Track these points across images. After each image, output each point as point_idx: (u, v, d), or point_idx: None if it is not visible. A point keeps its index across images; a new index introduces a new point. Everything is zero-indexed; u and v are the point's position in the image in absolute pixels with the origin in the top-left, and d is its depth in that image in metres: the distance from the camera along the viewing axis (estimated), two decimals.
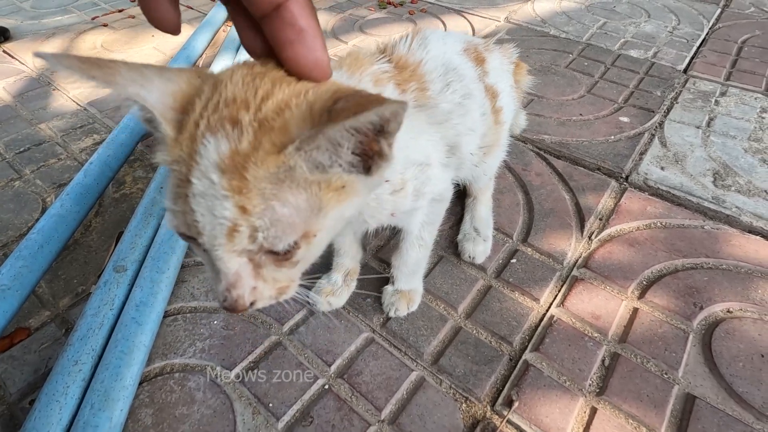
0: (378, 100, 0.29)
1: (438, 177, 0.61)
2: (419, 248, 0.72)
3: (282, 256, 0.37)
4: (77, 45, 1.61)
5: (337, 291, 0.78)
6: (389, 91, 0.53)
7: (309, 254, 0.39)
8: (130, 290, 0.73)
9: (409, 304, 0.77)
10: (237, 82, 0.34)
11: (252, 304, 0.38)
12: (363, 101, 0.30)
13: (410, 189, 0.55)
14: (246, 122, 0.33)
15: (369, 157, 0.36)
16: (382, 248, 0.90)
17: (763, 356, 0.71)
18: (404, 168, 0.53)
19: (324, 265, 0.85)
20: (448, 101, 0.61)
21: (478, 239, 0.86)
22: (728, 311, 0.78)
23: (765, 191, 1.00)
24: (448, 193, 0.68)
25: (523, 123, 1.14)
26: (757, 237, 0.91)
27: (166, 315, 0.76)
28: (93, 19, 1.80)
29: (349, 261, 0.79)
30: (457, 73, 0.63)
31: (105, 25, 1.75)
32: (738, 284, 0.82)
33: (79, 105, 1.30)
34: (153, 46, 1.61)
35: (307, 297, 0.47)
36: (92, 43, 1.62)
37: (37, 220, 0.93)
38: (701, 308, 0.78)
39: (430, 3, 1.92)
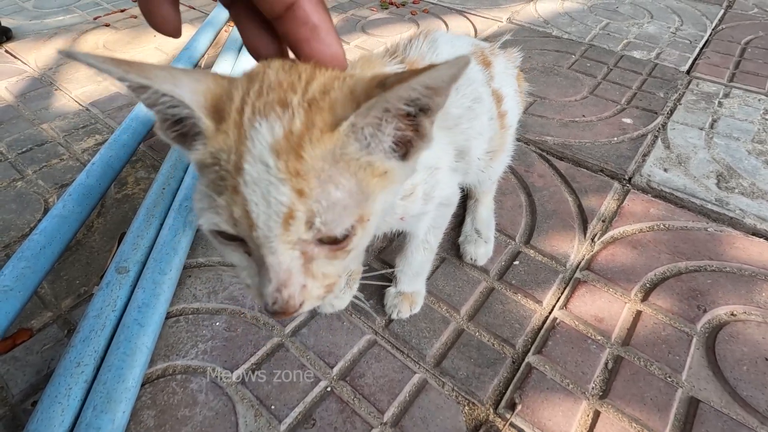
0: (431, 65, 0.29)
1: (446, 182, 0.61)
2: (424, 251, 0.72)
3: (337, 245, 0.35)
4: (79, 45, 1.61)
5: (339, 293, 0.77)
6: None
7: (361, 243, 0.37)
8: (132, 291, 0.73)
9: (412, 306, 0.77)
10: (277, 70, 0.34)
11: (300, 305, 0.36)
12: (416, 70, 0.30)
13: (420, 193, 0.55)
14: (296, 103, 0.32)
15: (405, 144, 0.37)
16: (384, 249, 0.90)
17: (767, 360, 0.71)
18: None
19: None
20: (458, 106, 0.61)
21: (479, 241, 0.86)
22: (732, 314, 0.78)
23: None
24: (455, 198, 0.68)
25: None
26: (761, 239, 0.91)
27: (168, 316, 0.76)
28: (95, 18, 1.80)
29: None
30: (466, 77, 0.63)
31: (107, 25, 1.75)
32: (742, 287, 0.82)
33: (81, 105, 1.30)
34: (155, 46, 1.61)
35: (363, 303, 0.44)
36: (94, 43, 1.62)
37: (40, 220, 0.93)
38: (705, 311, 0.78)
39: (432, 3, 1.92)
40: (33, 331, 0.74)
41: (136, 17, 1.82)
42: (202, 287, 0.82)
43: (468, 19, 1.78)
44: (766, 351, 0.72)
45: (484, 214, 0.90)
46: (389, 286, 0.79)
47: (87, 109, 1.28)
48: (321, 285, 0.37)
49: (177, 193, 0.90)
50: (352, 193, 0.34)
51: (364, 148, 0.34)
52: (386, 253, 0.89)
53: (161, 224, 0.84)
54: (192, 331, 0.75)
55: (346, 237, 0.35)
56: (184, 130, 0.35)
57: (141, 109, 1.14)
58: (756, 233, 0.92)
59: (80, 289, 0.81)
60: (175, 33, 0.34)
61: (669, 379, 0.69)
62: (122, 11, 1.87)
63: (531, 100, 1.32)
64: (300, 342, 0.74)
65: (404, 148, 0.37)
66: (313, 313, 0.78)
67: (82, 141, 1.16)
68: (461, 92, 0.62)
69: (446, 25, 1.74)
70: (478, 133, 0.66)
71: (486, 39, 1.63)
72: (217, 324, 0.76)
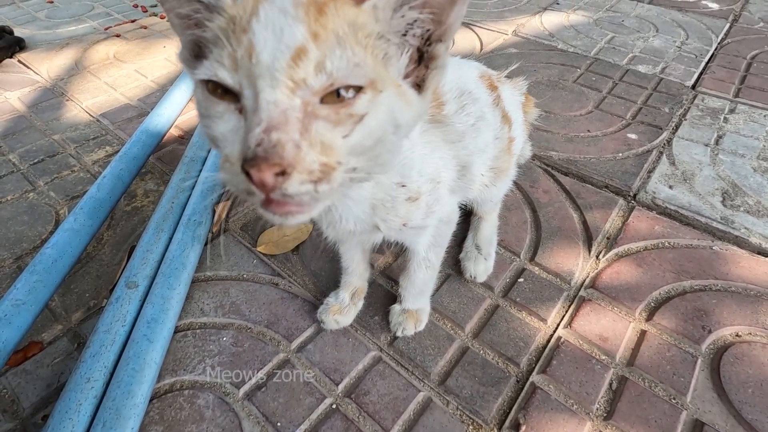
0: None
1: (445, 200, 0.62)
2: (426, 269, 0.72)
3: (343, 103, 0.33)
4: (90, 55, 1.64)
5: (344, 309, 0.78)
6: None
7: (368, 124, 0.34)
8: (141, 306, 0.74)
9: (417, 324, 0.77)
10: None
11: (285, 175, 0.30)
12: None
13: (423, 202, 0.57)
14: None
15: (419, 81, 0.39)
16: (389, 266, 0.90)
17: None
18: (419, 177, 0.55)
19: (333, 282, 0.86)
20: (462, 122, 0.63)
21: (479, 258, 0.86)
22: (737, 335, 0.78)
23: None
24: (455, 216, 0.69)
25: (528, 153, 1.13)
26: (767, 259, 0.91)
27: (176, 331, 0.77)
28: (106, 29, 1.83)
29: (357, 279, 0.79)
30: (471, 97, 0.66)
31: (118, 36, 1.77)
32: (747, 307, 0.82)
33: (91, 116, 1.32)
34: (164, 57, 1.63)
35: None
36: (105, 54, 1.65)
37: (51, 232, 0.94)
38: (710, 332, 0.78)
39: None
40: (44, 344, 0.76)
41: (146, 28, 1.84)
42: (210, 301, 0.83)
43: (473, 31, 1.80)
44: None
45: (487, 230, 0.90)
46: (394, 303, 0.80)
47: (97, 120, 1.30)
48: (316, 157, 0.32)
49: (186, 207, 0.92)
50: (367, 63, 0.34)
51: (383, 37, 0.36)
52: (390, 270, 0.90)
53: (170, 238, 0.86)
54: (199, 346, 0.76)
55: (352, 97, 0.33)
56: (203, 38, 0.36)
57: (150, 122, 1.16)
58: (761, 252, 0.92)
59: (90, 302, 0.82)
60: None
61: (673, 401, 0.69)
62: (133, 21, 1.90)
63: (536, 113, 1.32)
64: (306, 358, 0.75)
65: (421, 79, 0.39)
66: (319, 330, 0.79)
67: (92, 152, 1.18)
68: (466, 110, 0.64)
69: None
70: (480, 149, 0.68)
71: (491, 52, 1.64)
72: (224, 339, 0.77)
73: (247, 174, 0.31)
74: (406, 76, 0.39)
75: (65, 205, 1.02)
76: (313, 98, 0.32)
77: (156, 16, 1.96)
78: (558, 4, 2.02)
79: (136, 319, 0.72)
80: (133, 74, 1.53)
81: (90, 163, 1.14)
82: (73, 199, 1.03)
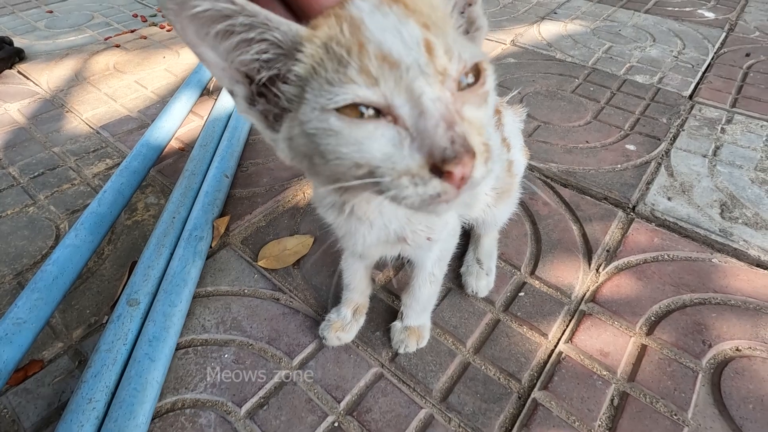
0: None
1: (453, 218, 0.64)
2: (431, 284, 0.73)
3: (477, 86, 0.34)
4: (90, 66, 1.64)
5: (346, 326, 0.78)
6: None
7: (491, 102, 0.36)
8: (143, 324, 0.74)
9: (419, 341, 0.77)
10: None
11: (471, 149, 0.31)
12: None
13: (450, 220, 0.58)
14: None
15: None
16: (390, 281, 0.91)
17: None
18: None
19: (334, 297, 0.86)
20: None
21: (480, 273, 0.86)
22: (737, 349, 0.78)
23: None
24: (458, 228, 0.70)
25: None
26: (766, 271, 0.91)
27: (177, 348, 0.77)
28: (106, 39, 1.84)
29: (359, 296, 0.80)
30: None
31: (117, 46, 1.78)
32: (747, 321, 0.82)
33: (92, 128, 1.32)
34: (164, 68, 1.64)
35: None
36: (105, 64, 1.65)
37: (52, 247, 0.94)
38: (710, 346, 0.79)
39: None
40: (44, 363, 0.75)
41: (145, 38, 1.85)
42: (211, 317, 0.83)
43: None
44: None
45: (488, 244, 0.91)
46: (395, 317, 0.80)
47: (97, 133, 1.30)
48: (479, 139, 0.33)
49: (187, 222, 0.92)
50: (465, 42, 0.35)
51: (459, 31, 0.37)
52: (391, 285, 0.90)
53: (171, 254, 0.86)
54: (201, 364, 0.75)
55: (477, 77, 0.34)
56: (272, 77, 0.35)
57: (151, 135, 1.16)
58: (760, 265, 0.93)
59: (91, 318, 0.82)
60: None
61: (675, 417, 0.69)
62: (132, 32, 1.91)
63: (535, 125, 1.33)
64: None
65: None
66: (320, 347, 0.79)
67: (92, 165, 1.18)
68: None
69: None
70: None
71: (490, 61, 1.65)
72: (226, 356, 0.77)
73: (441, 174, 0.31)
74: None
75: (65, 220, 1.02)
76: (454, 85, 0.33)
77: (156, 26, 1.97)
78: (556, 13, 2.04)
79: (137, 338, 0.72)
80: (133, 85, 1.53)
81: (90, 176, 1.14)
82: (73, 213, 1.03)
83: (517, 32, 1.87)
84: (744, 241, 0.97)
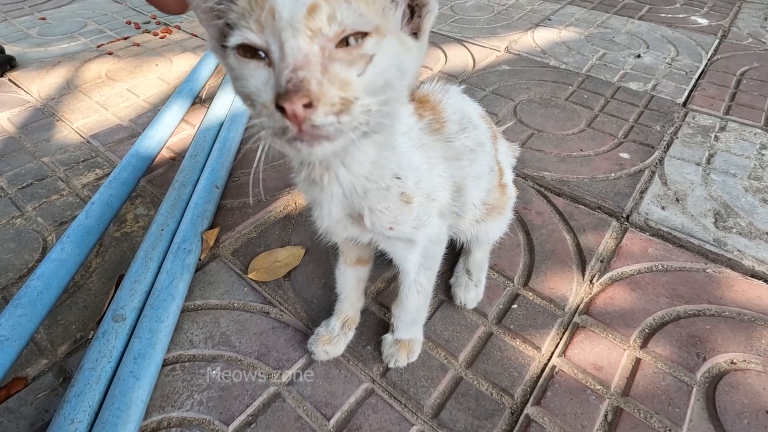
0: None
1: (435, 221, 0.63)
2: (418, 294, 0.71)
3: (353, 47, 0.38)
4: (82, 74, 1.63)
5: (334, 339, 0.77)
6: (407, 111, 0.56)
7: (376, 65, 0.39)
8: (128, 340, 0.73)
9: (409, 355, 0.76)
10: None
11: (312, 107, 0.36)
12: None
13: (415, 210, 0.58)
14: None
15: (415, 30, 0.44)
16: (382, 292, 0.90)
17: (767, 413, 0.70)
18: (417, 181, 0.57)
19: (325, 310, 0.85)
20: (461, 142, 0.65)
21: (469, 284, 0.85)
22: (732, 362, 0.78)
23: (767, 233, 1.00)
24: (444, 236, 0.69)
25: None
26: (760, 282, 0.90)
27: (164, 364, 0.75)
28: (98, 47, 1.83)
29: (349, 308, 0.79)
30: (472, 123, 0.68)
31: (110, 54, 1.77)
32: (741, 333, 0.81)
33: (82, 137, 1.31)
34: (157, 76, 1.63)
35: None
36: (97, 72, 1.64)
37: (38, 260, 0.93)
38: (704, 359, 0.78)
39: (432, 32, 1.94)
40: (28, 380, 0.74)
41: (138, 45, 1.84)
42: (199, 332, 0.81)
43: (466, 47, 1.81)
44: (766, 403, 0.72)
45: (478, 256, 0.90)
46: (386, 330, 0.79)
47: (88, 142, 1.29)
48: (336, 92, 0.37)
49: (175, 234, 0.90)
50: (369, 13, 0.39)
51: (381, 7, 0.40)
52: (383, 296, 0.89)
53: (159, 267, 0.84)
54: (188, 380, 0.74)
55: (360, 41, 0.38)
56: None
57: (141, 145, 1.15)
58: (755, 275, 0.92)
59: (77, 334, 0.80)
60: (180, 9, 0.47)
61: None
62: (125, 39, 1.90)
63: (529, 133, 1.33)
64: (297, 392, 0.73)
65: (416, 29, 0.44)
66: (310, 362, 0.77)
67: (82, 176, 1.16)
68: (467, 133, 0.66)
69: (445, 54, 1.76)
70: (476, 176, 0.69)
71: (484, 69, 1.65)
72: (214, 372, 0.75)
73: (281, 110, 0.36)
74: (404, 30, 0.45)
75: (53, 232, 1.00)
76: (329, 44, 0.38)
77: (149, 32, 1.96)
78: (550, 20, 2.04)
79: (123, 354, 0.71)
80: (125, 93, 1.52)
81: (79, 186, 1.13)
82: (61, 225, 1.02)
83: (512, 39, 1.87)
84: (738, 251, 0.96)
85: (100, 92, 1.53)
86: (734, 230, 1.01)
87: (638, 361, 0.78)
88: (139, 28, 2.01)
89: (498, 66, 1.67)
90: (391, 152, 0.53)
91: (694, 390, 0.73)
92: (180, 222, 0.93)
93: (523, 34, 1.92)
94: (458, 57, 1.74)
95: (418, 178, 0.57)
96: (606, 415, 0.71)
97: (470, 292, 0.84)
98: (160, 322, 0.74)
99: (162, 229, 0.90)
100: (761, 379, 0.75)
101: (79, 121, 1.38)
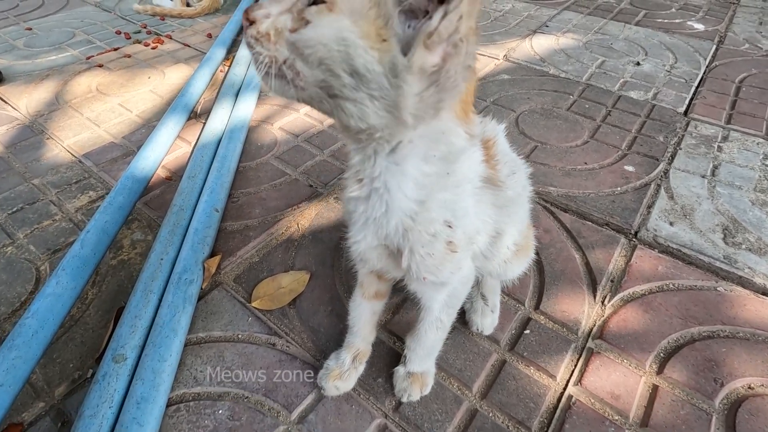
0: None
1: (467, 264, 0.62)
2: (437, 330, 0.70)
3: (305, 5, 0.40)
4: (72, 88, 1.58)
5: (344, 374, 0.74)
6: (477, 157, 0.52)
7: (312, 30, 0.39)
8: (130, 382, 0.70)
9: (423, 388, 0.74)
10: None
11: (252, 23, 0.42)
12: None
13: (458, 258, 0.55)
14: None
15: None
16: (391, 320, 0.87)
17: None
18: (464, 232, 0.54)
19: (334, 339, 0.82)
20: (511, 188, 0.61)
21: (485, 310, 0.83)
22: (749, 387, 0.76)
23: None
24: (472, 277, 0.67)
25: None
26: None
27: (168, 404, 0.72)
28: (88, 58, 1.78)
29: (361, 342, 0.76)
30: (517, 164, 0.65)
31: (100, 66, 1.72)
32: (757, 355, 0.80)
33: (74, 156, 1.27)
34: (150, 89, 1.59)
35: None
36: (87, 86, 1.59)
37: (32, 292, 0.89)
38: (722, 385, 0.76)
39: None
40: (24, 426, 0.70)
41: (130, 56, 1.79)
42: (203, 368, 0.78)
43: None
44: None
45: (493, 281, 0.88)
46: (397, 360, 0.77)
47: (80, 162, 1.25)
48: (266, 26, 0.41)
49: (175, 263, 0.87)
50: None
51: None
52: (392, 325, 0.86)
53: (160, 299, 0.81)
54: (193, 422, 0.71)
55: (316, 3, 0.39)
56: None
57: (136, 166, 1.12)
58: (766, 293, 0.91)
59: (75, 373, 0.77)
60: None
61: None
62: (115, 50, 1.85)
63: (533, 145, 1.31)
64: (307, 430, 0.71)
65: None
66: (320, 397, 0.75)
67: (75, 199, 1.12)
68: (516, 177, 0.64)
69: None
70: (518, 220, 0.68)
71: (484, 78, 1.63)
72: (220, 411, 0.73)
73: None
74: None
75: (46, 260, 0.96)
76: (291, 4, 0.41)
77: (140, 43, 1.92)
78: (547, 26, 2.03)
79: (125, 398, 0.67)
80: (117, 108, 1.48)
81: (72, 210, 1.09)
82: (55, 252, 0.98)
83: (510, 47, 1.85)
84: (749, 268, 0.95)
85: (91, 107, 1.48)
86: (743, 246, 1.00)
87: (656, 388, 0.76)
88: (130, 38, 1.96)
89: (498, 75, 1.65)
90: (447, 197, 0.50)
91: (714, 419, 0.72)
92: (180, 249, 0.90)
93: (521, 41, 1.90)
94: None
95: (469, 226, 0.54)
96: None
97: (487, 318, 0.82)
98: (162, 361, 0.71)
99: (161, 258, 0.87)
100: None
101: (70, 139, 1.33)
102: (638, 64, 1.72)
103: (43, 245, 1.00)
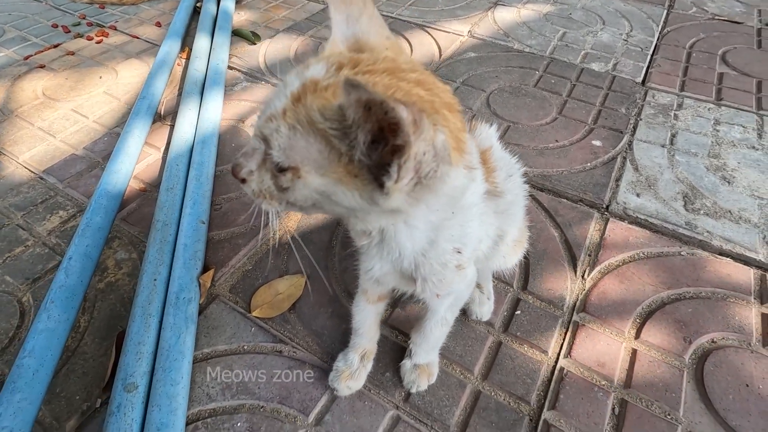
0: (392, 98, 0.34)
1: (471, 268, 0.65)
2: (442, 326, 0.74)
3: (276, 172, 0.45)
4: (15, 95, 1.46)
5: (354, 374, 0.78)
6: (479, 177, 0.54)
7: (293, 193, 0.45)
8: (145, 409, 0.70)
9: (429, 378, 0.79)
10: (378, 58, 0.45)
11: (244, 181, 0.48)
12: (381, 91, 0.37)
13: (469, 271, 0.60)
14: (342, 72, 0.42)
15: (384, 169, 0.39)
16: (391, 315, 0.91)
17: (747, 386, 0.80)
18: (471, 249, 0.57)
19: (338, 340, 0.85)
20: (510, 192, 0.63)
21: (482, 298, 0.88)
22: (713, 341, 0.86)
23: (729, 212, 1.09)
24: (475, 278, 0.70)
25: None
26: (728, 260, 1.00)
27: (186, 424, 0.74)
28: (26, 58, 1.63)
29: (367, 342, 0.79)
30: (511, 166, 0.67)
31: (42, 67, 1.58)
32: (717, 312, 0.90)
33: (33, 173, 1.19)
34: (103, 90, 1.49)
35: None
36: (32, 92, 1.47)
37: (19, 327, 0.86)
38: (690, 342, 0.86)
39: (392, 18, 1.88)
40: None
41: (73, 54, 1.66)
42: (214, 383, 0.79)
43: (430, 34, 1.77)
44: (745, 377, 0.81)
45: (485, 270, 0.92)
46: (402, 354, 0.81)
47: (41, 179, 1.18)
48: (259, 185, 0.47)
49: (170, 283, 0.86)
50: (306, 150, 0.42)
51: (343, 137, 0.39)
52: (393, 319, 0.90)
53: (160, 322, 0.81)
54: None
55: (280, 172, 0.44)
56: None
57: (107, 182, 1.07)
58: (722, 253, 1.01)
59: (83, 405, 0.76)
60: None
61: (668, 417, 0.76)
62: (56, 47, 1.70)
63: (505, 126, 1.35)
64: (325, 431, 0.75)
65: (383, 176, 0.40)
66: (333, 397, 0.78)
67: (44, 221, 1.07)
68: (513, 180, 0.65)
69: (409, 43, 1.72)
70: (518, 220, 0.72)
71: (451, 57, 1.63)
72: (239, 425, 0.75)
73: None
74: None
75: (27, 291, 0.92)
76: (268, 159, 0.45)
77: (82, 37, 1.77)
78: None
79: (143, 426, 0.68)
80: (71, 115, 1.38)
81: (44, 233, 1.04)
82: (35, 281, 0.94)
83: (473, 21, 1.85)
84: (708, 232, 1.05)
85: (41, 116, 1.38)
86: (702, 212, 1.09)
87: (635, 352, 0.85)
88: (69, 31, 1.81)
89: (464, 54, 1.66)
90: (455, 232, 0.53)
91: (685, 373, 0.82)
92: (171, 267, 0.89)
93: (483, 15, 1.90)
94: (423, 46, 1.71)
95: (475, 241, 0.57)
96: (614, 409, 0.77)
97: (484, 306, 0.87)
98: (175, 385, 0.72)
99: (154, 279, 0.85)
100: (738, 354, 0.84)
101: (25, 154, 1.25)
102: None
103: (20, 275, 0.95)
